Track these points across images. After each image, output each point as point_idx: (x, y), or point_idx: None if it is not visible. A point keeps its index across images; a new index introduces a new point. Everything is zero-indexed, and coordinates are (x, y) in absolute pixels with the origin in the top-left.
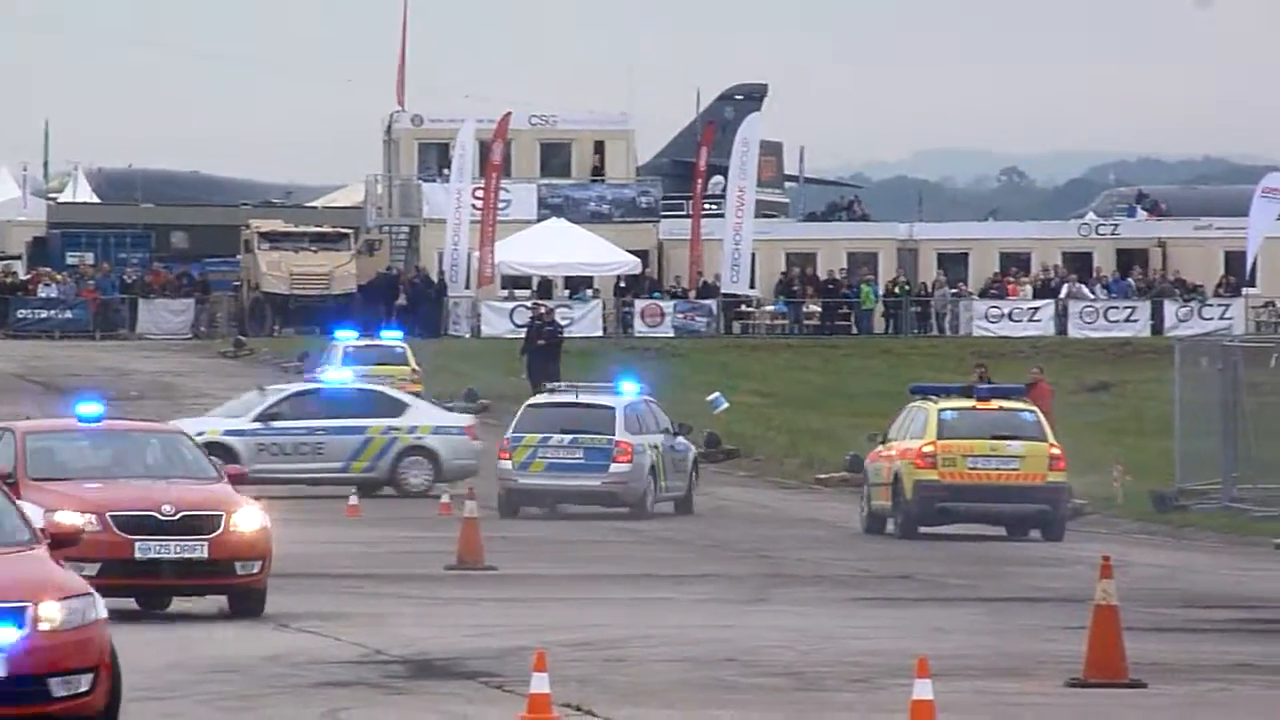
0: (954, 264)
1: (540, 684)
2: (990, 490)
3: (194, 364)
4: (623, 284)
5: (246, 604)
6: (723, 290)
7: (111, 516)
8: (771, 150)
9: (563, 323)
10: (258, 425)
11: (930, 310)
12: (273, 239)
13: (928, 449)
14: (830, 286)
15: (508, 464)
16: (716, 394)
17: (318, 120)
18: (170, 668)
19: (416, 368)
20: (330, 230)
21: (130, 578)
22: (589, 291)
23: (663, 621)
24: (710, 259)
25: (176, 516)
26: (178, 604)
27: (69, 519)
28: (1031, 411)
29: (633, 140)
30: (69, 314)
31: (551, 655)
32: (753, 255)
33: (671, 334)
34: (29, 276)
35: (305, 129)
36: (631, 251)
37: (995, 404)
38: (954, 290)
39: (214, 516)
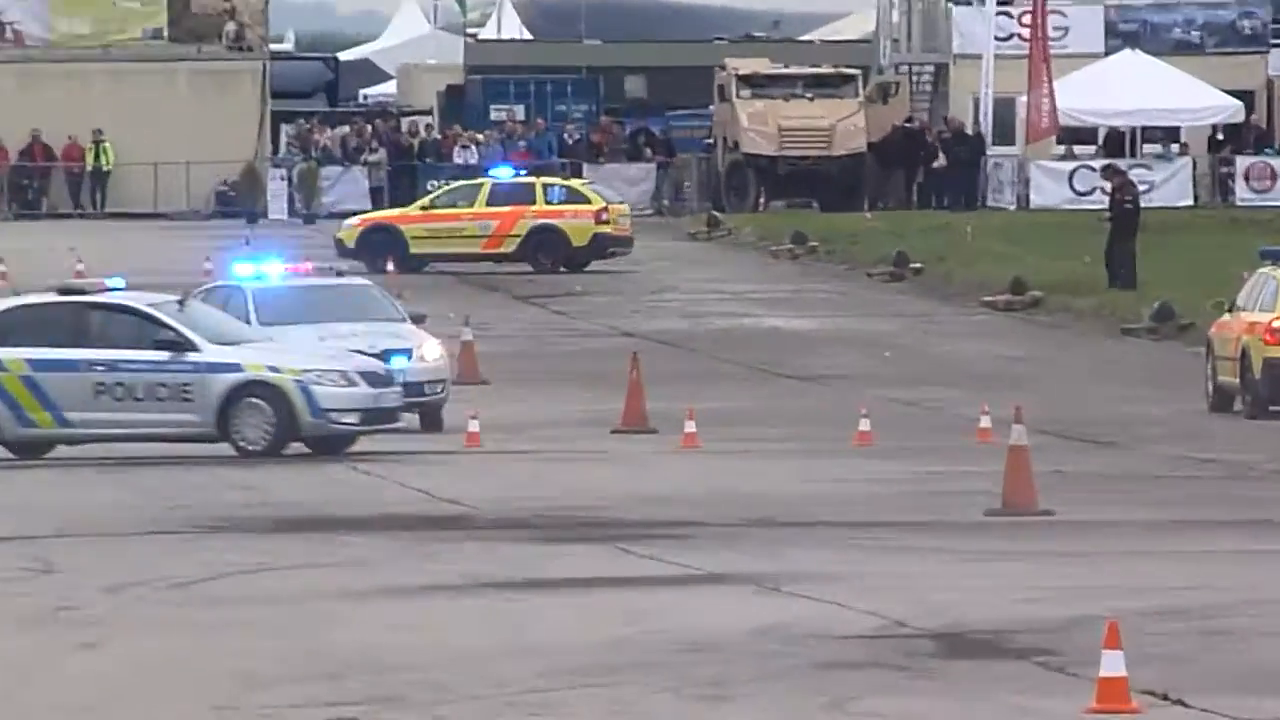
0: None
1: (1114, 664)
2: None
3: (657, 249)
4: (1220, 136)
5: None
6: None
7: None
8: None
9: (1141, 188)
10: None
11: None
12: (756, 84)
13: (1277, 323)
14: None
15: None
16: None
17: None
18: (615, 645)
19: None
20: (831, 71)
21: None
22: (1174, 147)
23: None
24: None
25: None
26: (638, 561)
27: None
28: None
29: None
30: None
31: (1127, 626)
32: None
33: None
34: (442, 136)
35: None
36: (1231, 93)
37: None
38: None
39: None
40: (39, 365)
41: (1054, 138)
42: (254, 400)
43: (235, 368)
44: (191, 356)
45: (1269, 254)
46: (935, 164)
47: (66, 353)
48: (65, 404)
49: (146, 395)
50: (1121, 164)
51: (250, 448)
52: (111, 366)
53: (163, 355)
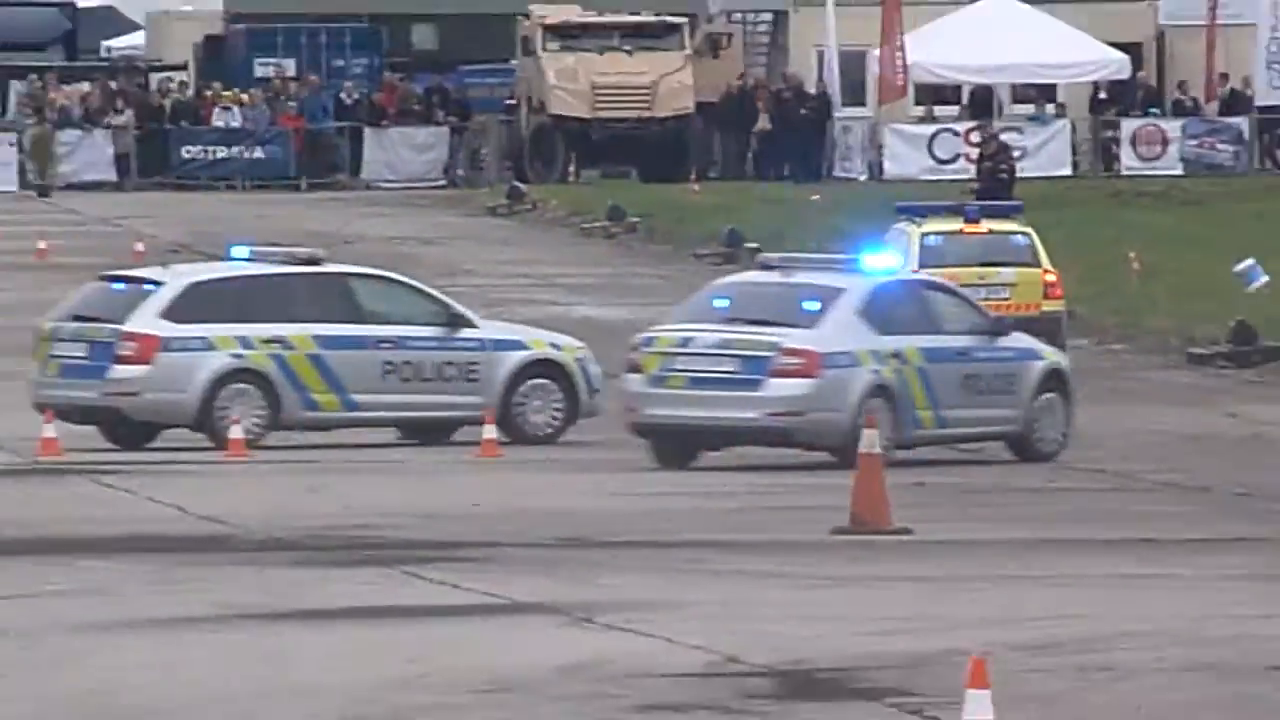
0: None
1: (980, 706)
2: None
3: (449, 225)
4: (1103, 95)
5: None
6: (1257, 103)
7: None
8: None
9: (1015, 153)
10: None
11: None
12: (565, 35)
13: None
14: None
15: (637, 381)
16: (1249, 261)
17: None
18: (399, 685)
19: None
20: (653, 20)
21: None
22: (1050, 107)
23: (1164, 611)
24: (1237, 56)
25: None
26: (430, 587)
27: None
28: (1025, 234)
29: None
30: (259, 153)
31: (993, 662)
32: None
33: (1179, 170)
34: (199, 95)
35: None
36: (1116, 45)
37: (984, 226)
38: None
39: None
40: (327, 343)
41: (910, 97)
42: (540, 381)
43: (518, 345)
44: (470, 333)
45: (904, 210)
46: (756, 127)
47: (355, 329)
48: (353, 385)
49: (435, 375)
50: (994, 127)
51: (537, 434)
52: (399, 344)
53: (443, 332)
